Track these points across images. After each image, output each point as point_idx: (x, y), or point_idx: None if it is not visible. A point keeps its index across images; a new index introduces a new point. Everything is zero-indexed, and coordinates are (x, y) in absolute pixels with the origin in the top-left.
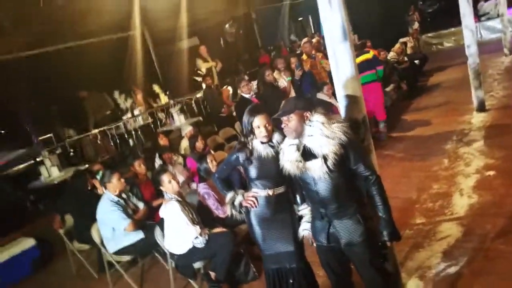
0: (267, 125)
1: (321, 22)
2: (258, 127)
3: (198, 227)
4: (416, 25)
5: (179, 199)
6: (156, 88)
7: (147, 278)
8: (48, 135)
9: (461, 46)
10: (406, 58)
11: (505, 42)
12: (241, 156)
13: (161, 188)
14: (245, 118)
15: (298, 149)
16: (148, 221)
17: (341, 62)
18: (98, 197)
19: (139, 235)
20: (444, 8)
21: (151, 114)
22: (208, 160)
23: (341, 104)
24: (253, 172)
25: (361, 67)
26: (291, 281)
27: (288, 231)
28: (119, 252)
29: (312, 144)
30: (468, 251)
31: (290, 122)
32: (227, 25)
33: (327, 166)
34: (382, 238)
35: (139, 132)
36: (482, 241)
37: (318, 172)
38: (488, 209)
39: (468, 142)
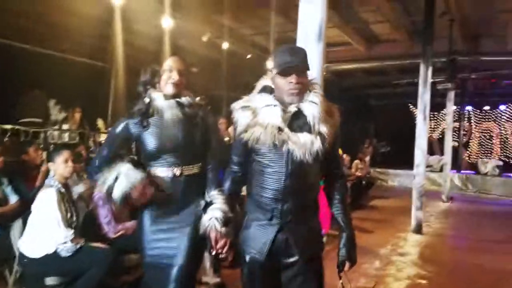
0: (181, 72)
1: (299, 19)
2: (170, 71)
3: (71, 231)
4: (367, 158)
5: (62, 190)
6: (100, 123)
7: None
8: None
9: (404, 187)
10: (356, 173)
11: (444, 191)
12: (132, 122)
13: (49, 166)
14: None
15: (283, 113)
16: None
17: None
18: None
19: None
20: (395, 152)
21: (81, 136)
22: None
23: None
24: (150, 141)
25: None
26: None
27: (185, 231)
28: None
29: (311, 112)
30: None
31: (304, 80)
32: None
33: (322, 144)
34: (339, 257)
35: None
36: None
37: (306, 147)
38: None
39: (402, 253)
